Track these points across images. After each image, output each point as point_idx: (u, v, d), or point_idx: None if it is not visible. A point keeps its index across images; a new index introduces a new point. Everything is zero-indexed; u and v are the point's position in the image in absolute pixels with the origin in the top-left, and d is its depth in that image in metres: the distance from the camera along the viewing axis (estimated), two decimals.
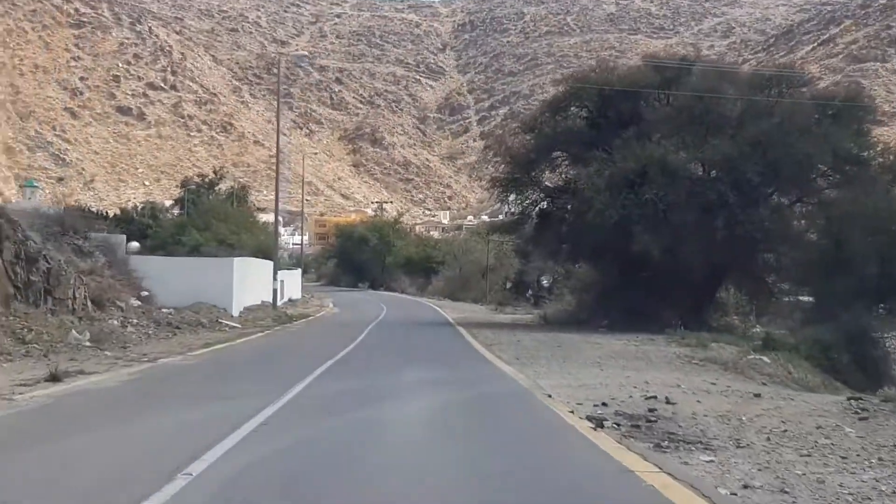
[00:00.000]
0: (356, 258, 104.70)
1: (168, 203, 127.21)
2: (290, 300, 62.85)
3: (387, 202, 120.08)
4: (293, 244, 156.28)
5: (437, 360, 25.79)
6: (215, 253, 53.75)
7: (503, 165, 46.82)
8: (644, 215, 40.65)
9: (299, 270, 72.68)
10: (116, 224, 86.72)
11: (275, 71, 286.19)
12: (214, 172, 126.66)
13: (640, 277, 45.40)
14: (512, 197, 47.18)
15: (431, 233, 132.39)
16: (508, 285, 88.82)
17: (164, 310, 38.44)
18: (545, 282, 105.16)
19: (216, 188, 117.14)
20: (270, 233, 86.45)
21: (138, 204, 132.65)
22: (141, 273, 40.28)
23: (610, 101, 45.64)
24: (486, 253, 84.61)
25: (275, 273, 47.61)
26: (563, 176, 47.88)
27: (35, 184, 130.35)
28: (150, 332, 29.69)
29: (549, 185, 47.44)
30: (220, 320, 38.75)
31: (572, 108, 47.31)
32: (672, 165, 40.95)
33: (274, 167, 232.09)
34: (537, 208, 47.49)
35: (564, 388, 18.27)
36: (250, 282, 47.75)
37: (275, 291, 47.40)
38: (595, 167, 41.60)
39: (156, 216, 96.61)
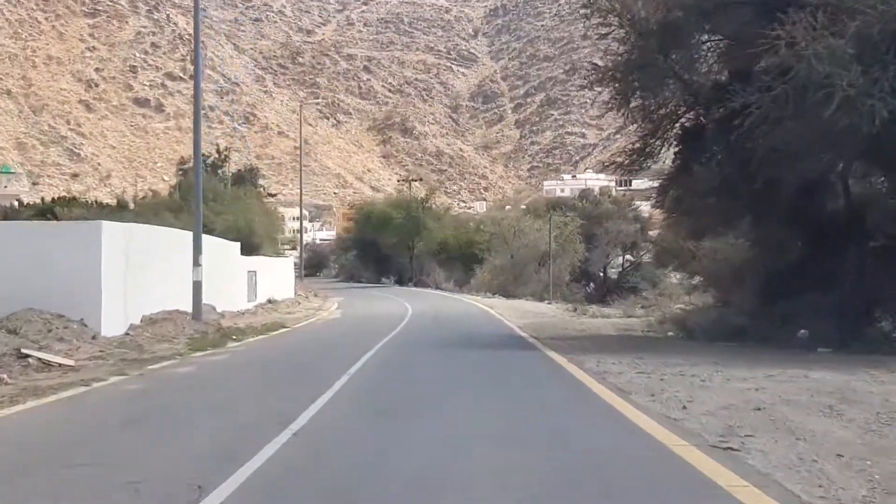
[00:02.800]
0: (379, 246, 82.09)
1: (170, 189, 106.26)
2: (269, 301, 40.95)
3: (415, 180, 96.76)
4: (320, 240, 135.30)
5: None
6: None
7: (621, 43, 24.17)
8: None
9: (291, 260, 50.46)
10: (101, 212, 67.81)
11: (300, 60, 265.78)
12: (218, 152, 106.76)
13: (862, 249, 23.78)
14: (635, 103, 24.34)
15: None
16: (567, 278, 66.63)
17: None
18: (611, 271, 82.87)
19: (221, 170, 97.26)
20: (275, 217, 65.17)
21: (140, 193, 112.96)
22: None
23: None
24: (545, 234, 62.53)
25: (196, 254, 25.05)
26: (718, 73, 25.09)
27: (11, 170, 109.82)
28: None
29: (701, 81, 24.50)
30: (30, 353, 16.81)
31: None
32: None
33: (297, 158, 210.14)
34: (678, 125, 24.94)
35: None
36: (167, 270, 25.69)
37: (197, 286, 24.80)
38: (823, 20, 18.92)
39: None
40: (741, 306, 28.34)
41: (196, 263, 24.32)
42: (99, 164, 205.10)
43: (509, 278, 61.68)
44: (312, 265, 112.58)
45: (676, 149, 24.88)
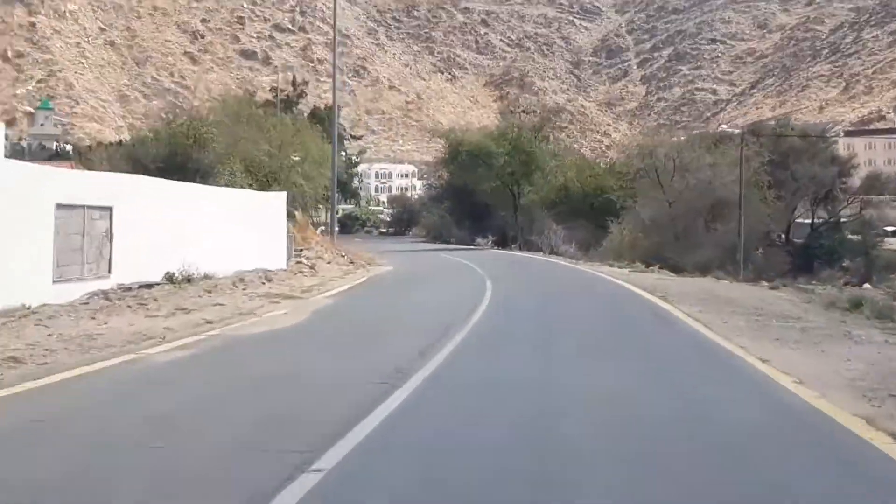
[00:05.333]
0: (475, 193, 56.46)
1: None
2: (175, 278, 17.39)
3: (525, 111, 70.33)
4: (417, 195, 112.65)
5: None
6: None
7: None
8: None
9: (281, 198, 25.82)
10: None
11: (415, 13, 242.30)
12: (294, 85, 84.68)
13: None
14: None
15: None
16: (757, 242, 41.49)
17: None
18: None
19: (295, 108, 75.66)
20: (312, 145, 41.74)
21: None
22: None
23: None
24: (721, 171, 37.63)
25: None
26: None
27: (50, 105, 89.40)
28: None
29: None
30: None
31: None
32: None
33: (409, 113, 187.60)
34: None
35: None
36: None
37: None
38: None
39: None
40: None
41: None
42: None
43: (668, 239, 36.58)
44: (402, 222, 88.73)
45: None
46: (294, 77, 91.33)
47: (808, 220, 55.37)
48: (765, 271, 35.11)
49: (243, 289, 18.97)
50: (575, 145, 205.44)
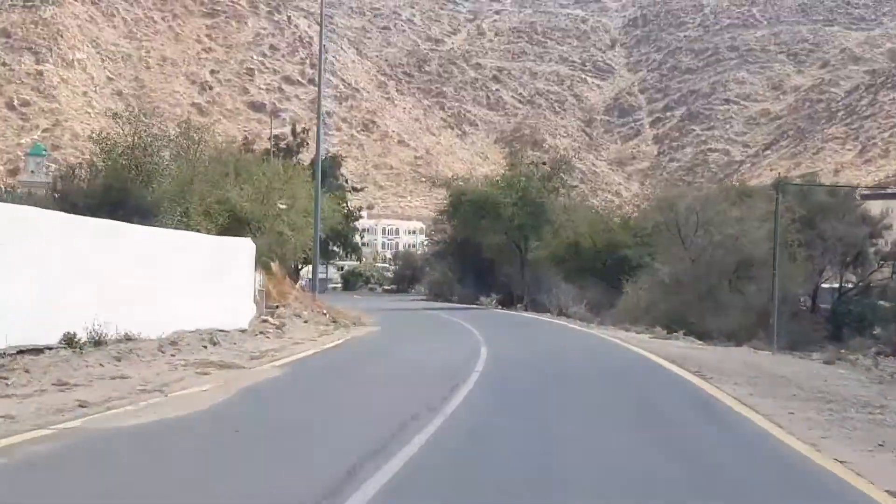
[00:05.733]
0: (480, 248, 52.35)
1: None
2: (109, 336, 13.55)
3: (535, 163, 65.12)
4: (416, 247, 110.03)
5: None
6: None
7: None
8: None
9: (246, 245, 21.81)
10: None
11: (426, 68, 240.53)
12: (294, 134, 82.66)
13: None
14: None
15: None
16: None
17: None
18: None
19: (295, 156, 74.23)
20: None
21: None
22: None
23: None
24: (751, 226, 33.77)
25: None
26: None
27: (44, 151, 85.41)
28: None
29: None
30: None
31: None
32: None
33: (418, 168, 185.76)
34: None
35: None
36: None
37: None
38: None
39: None
40: None
41: None
42: None
43: (689, 300, 32.67)
44: (405, 279, 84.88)
45: None
46: (294, 125, 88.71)
47: (833, 284, 51.49)
48: (797, 339, 31.19)
49: (172, 354, 15.12)
50: (586, 203, 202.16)
